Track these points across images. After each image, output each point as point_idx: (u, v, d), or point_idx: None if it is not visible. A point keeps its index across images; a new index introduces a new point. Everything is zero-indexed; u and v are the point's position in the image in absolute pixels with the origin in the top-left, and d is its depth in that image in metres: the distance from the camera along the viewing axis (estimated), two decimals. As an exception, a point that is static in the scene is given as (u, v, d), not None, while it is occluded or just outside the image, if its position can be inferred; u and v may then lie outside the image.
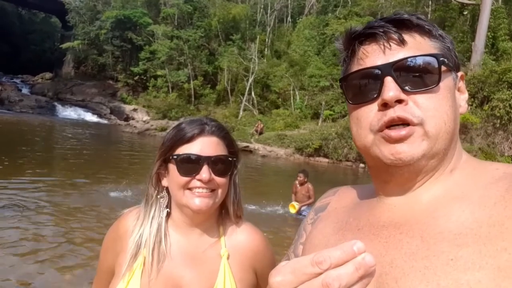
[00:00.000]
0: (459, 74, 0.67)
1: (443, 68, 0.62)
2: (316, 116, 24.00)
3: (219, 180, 1.07)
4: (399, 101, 0.61)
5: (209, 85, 31.39)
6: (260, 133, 22.37)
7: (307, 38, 28.82)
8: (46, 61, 40.69)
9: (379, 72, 0.62)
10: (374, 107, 0.63)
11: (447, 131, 0.62)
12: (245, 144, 20.46)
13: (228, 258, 1.11)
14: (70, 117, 29.79)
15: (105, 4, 36.00)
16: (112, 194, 7.56)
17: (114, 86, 35.04)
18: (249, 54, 28.97)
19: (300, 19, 31.14)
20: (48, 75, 40.04)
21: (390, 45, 0.64)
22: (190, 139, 1.06)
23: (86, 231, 5.35)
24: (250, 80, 27.59)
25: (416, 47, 0.63)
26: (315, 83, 25.29)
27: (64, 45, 36.21)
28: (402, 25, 0.65)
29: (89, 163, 11.50)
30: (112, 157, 13.71)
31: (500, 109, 15.80)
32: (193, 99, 30.45)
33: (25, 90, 34.14)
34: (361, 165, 18.16)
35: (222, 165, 1.07)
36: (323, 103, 23.56)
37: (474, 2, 17.15)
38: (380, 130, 0.62)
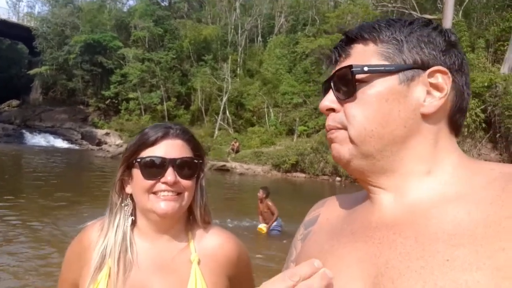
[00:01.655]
0: (430, 70, 0.64)
1: (363, 76, 0.65)
2: (291, 132, 24.23)
3: (185, 183, 1.04)
4: (333, 110, 0.68)
5: (182, 106, 31.27)
6: (237, 152, 22.32)
7: (278, 57, 29.34)
8: (13, 88, 39.54)
9: (327, 84, 0.71)
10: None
11: (370, 135, 0.65)
12: (222, 163, 20.33)
13: (199, 263, 1.07)
14: (39, 144, 28.79)
15: (73, 28, 35.57)
16: (88, 219, 7.27)
17: (84, 110, 34.36)
18: (222, 74, 29.17)
19: (271, 38, 31.72)
20: (15, 102, 38.84)
21: (337, 60, 0.71)
22: (154, 142, 1.04)
23: (61, 257, 5.10)
24: (224, 99, 27.69)
25: (354, 58, 0.68)
26: (288, 100, 25.65)
27: (31, 71, 35.38)
28: (350, 38, 0.70)
29: (60, 190, 11.08)
30: (84, 182, 13.28)
31: (466, 117, 16.40)
32: (166, 120, 30.16)
33: (-10, 119, 32.98)
34: (338, 178, 18.35)
35: (187, 168, 1.05)
36: (297, 119, 23.86)
37: (436, 17, 17.99)
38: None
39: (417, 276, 0.55)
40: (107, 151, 24.22)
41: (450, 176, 0.63)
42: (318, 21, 30.06)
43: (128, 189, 1.08)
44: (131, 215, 1.08)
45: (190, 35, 32.11)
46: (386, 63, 0.65)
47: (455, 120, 0.67)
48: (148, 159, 1.02)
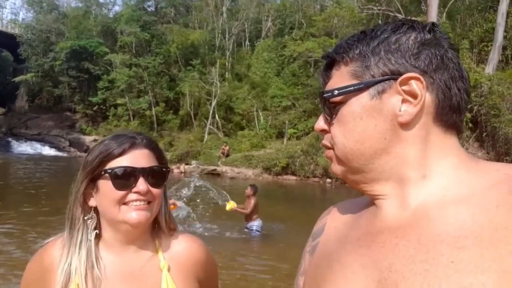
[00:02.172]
0: (401, 78, 0.62)
1: (338, 98, 0.67)
2: (280, 135, 24.28)
3: (155, 191, 1.04)
4: (325, 130, 0.72)
5: (171, 111, 31.09)
6: (227, 156, 22.27)
7: (266, 60, 29.42)
8: (-2, 96, 39.03)
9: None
10: None
11: (351, 153, 0.67)
12: (212, 167, 20.28)
13: (168, 270, 1.07)
14: (26, 153, 28.32)
15: (58, 35, 35.19)
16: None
17: (72, 117, 33.96)
18: (210, 78, 29.11)
19: (258, 42, 31.78)
20: (0, 110, 38.26)
21: (325, 82, 0.73)
22: (121, 153, 1.02)
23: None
24: (213, 103, 27.63)
25: (334, 80, 0.70)
26: (277, 103, 25.72)
27: (16, 79, 34.91)
28: (328, 63, 0.73)
29: (48, 199, 10.90)
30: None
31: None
32: (155, 125, 30.00)
33: (-25, 127, 32.38)
34: (328, 180, 18.44)
35: (157, 177, 1.05)
36: (287, 122, 23.93)
37: (420, 19, 18.23)
38: None
39: (421, 279, 0.55)
40: (96, 158, 23.89)
41: (450, 179, 0.63)
42: (305, 25, 30.23)
43: (92, 202, 1.05)
44: (95, 228, 1.06)
45: (178, 40, 32.00)
46: (355, 81, 0.66)
47: (448, 119, 0.64)
48: (119, 169, 1.01)
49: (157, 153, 1.09)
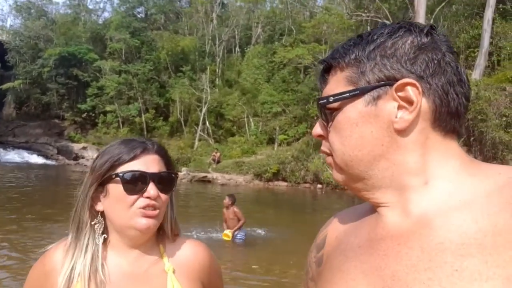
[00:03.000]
0: (396, 84, 0.61)
1: (334, 104, 0.66)
2: (271, 141, 24.30)
3: (164, 197, 1.05)
4: (322, 136, 0.70)
5: (161, 118, 30.96)
6: (218, 162, 22.20)
7: (256, 67, 29.51)
8: (-16, 104, 38.47)
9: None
10: None
11: (350, 159, 0.66)
12: (203, 174, 20.17)
13: (174, 273, 1.07)
14: (13, 161, 27.82)
15: (47, 41, 34.87)
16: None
17: (60, 125, 33.56)
18: (201, 85, 29.11)
19: (248, 49, 31.91)
20: (-14, 118, 37.70)
21: (321, 87, 0.72)
22: (133, 158, 1.03)
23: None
24: (204, 110, 27.59)
25: (331, 86, 0.69)
26: (268, 109, 25.76)
27: (4, 86, 34.36)
28: (325, 68, 0.71)
29: (35, 206, 10.72)
30: (63, 198, 12.90)
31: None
32: (145, 132, 29.79)
33: (-40, 135, 31.79)
34: (319, 186, 18.47)
35: (166, 182, 1.06)
36: (277, 128, 23.97)
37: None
38: None
39: None
40: (85, 165, 23.71)
41: (452, 184, 0.61)
42: (294, 31, 30.42)
43: (99, 206, 1.05)
44: (103, 233, 1.06)
45: (167, 47, 31.97)
46: (351, 88, 0.65)
47: (447, 124, 0.63)
48: (130, 173, 1.01)
49: (166, 159, 1.10)
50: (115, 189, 1.02)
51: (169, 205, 1.11)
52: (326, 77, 0.71)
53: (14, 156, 29.25)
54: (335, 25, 24.65)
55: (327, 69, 0.71)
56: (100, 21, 39.98)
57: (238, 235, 7.87)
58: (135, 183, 1.01)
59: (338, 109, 0.66)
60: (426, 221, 0.60)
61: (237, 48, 33.78)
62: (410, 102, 0.61)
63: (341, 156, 0.67)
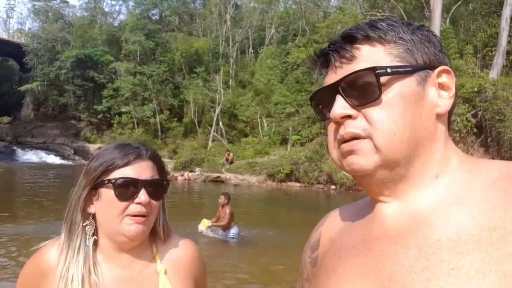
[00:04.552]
0: (438, 70, 0.63)
1: (386, 78, 0.61)
2: (284, 141, 24.22)
3: (154, 204, 1.06)
4: (349, 116, 0.62)
5: (175, 118, 31.19)
6: (231, 163, 22.25)
7: (269, 67, 29.46)
8: (4, 105, 39.23)
9: (331, 90, 0.64)
10: (333, 124, 0.65)
11: (400, 141, 0.59)
12: (216, 174, 20.26)
13: (166, 273, 1.09)
14: (31, 161, 28.41)
15: (64, 44, 35.52)
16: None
17: (77, 125, 34.14)
18: (214, 86, 29.21)
19: (262, 50, 31.89)
20: (6, 119, 38.52)
21: (340, 63, 0.64)
22: (126, 163, 1.04)
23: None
24: (217, 110, 27.69)
25: (365, 60, 0.62)
26: (281, 110, 25.69)
27: (22, 88, 35.18)
28: (353, 38, 0.64)
29: (54, 205, 10.92)
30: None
31: (458, 123, 16.57)
32: (159, 133, 30.09)
33: (-19, 136, 32.60)
34: (332, 186, 18.33)
35: (157, 189, 1.08)
36: (290, 128, 23.88)
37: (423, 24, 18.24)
38: (339, 146, 0.64)
39: None
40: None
41: (452, 179, 0.61)
42: (308, 32, 30.30)
43: (91, 209, 1.06)
44: (93, 234, 1.07)
45: (182, 48, 32.19)
46: (401, 64, 0.62)
47: (450, 120, 0.66)
48: (122, 179, 1.02)
49: (159, 166, 1.12)
50: (107, 194, 1.03)
51: (161, 210, 1.12)
52: (353, 51, 0.64)
53: (32, 156, 29.86)
54: (349, 25, 24.39)
55: (351, 42, 0.64)
56: (116, 24, 40.55)
57: (231, 233, 7.89)
58: (127, 189, 1.02)
59: (384, 85, 0.61)
60: (423, 218, 0.59)
61: (250, 49, 33.82)
62: (446, 88, 0.63)
63: (390, 135, 0.59)
